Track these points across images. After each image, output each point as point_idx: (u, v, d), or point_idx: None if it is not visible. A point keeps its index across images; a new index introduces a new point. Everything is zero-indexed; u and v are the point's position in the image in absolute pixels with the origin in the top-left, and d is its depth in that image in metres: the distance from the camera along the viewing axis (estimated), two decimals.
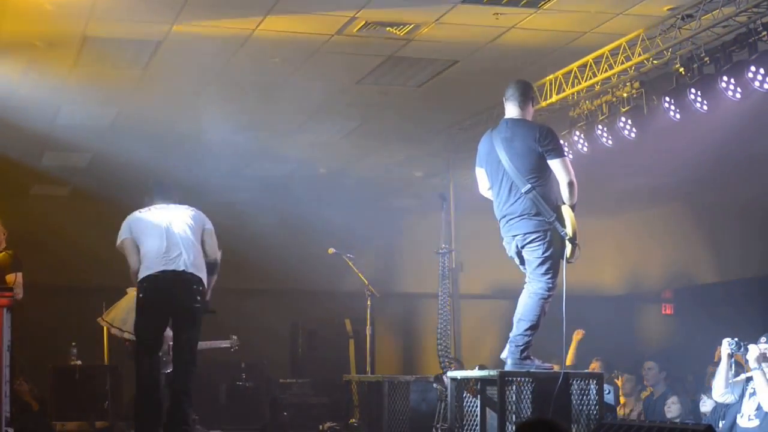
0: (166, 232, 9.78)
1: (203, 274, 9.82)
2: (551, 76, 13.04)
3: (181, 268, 9.66)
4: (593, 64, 12.48)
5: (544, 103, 13.15)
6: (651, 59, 11.68)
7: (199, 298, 9.72)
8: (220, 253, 10.06)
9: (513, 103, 8.93)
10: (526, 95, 8.96)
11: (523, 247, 8.75)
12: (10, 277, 11.91)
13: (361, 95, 13.94)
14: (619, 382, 13.81)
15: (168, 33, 11.62)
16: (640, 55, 11.74)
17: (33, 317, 12.03)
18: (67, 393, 13.37)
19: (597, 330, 15.12)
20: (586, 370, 11.87)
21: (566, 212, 8.66)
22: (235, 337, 12.57)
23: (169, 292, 9.71)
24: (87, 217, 11.72)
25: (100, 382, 13.53)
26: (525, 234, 8.71)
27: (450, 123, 15.29)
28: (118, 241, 9.96)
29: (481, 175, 9.07)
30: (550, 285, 8.71)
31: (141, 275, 9.74)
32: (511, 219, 8.77)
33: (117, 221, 10.34)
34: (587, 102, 13.00)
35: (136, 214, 10.03)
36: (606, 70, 12.29)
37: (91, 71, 12.81)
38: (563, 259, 8.65)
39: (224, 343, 12.46)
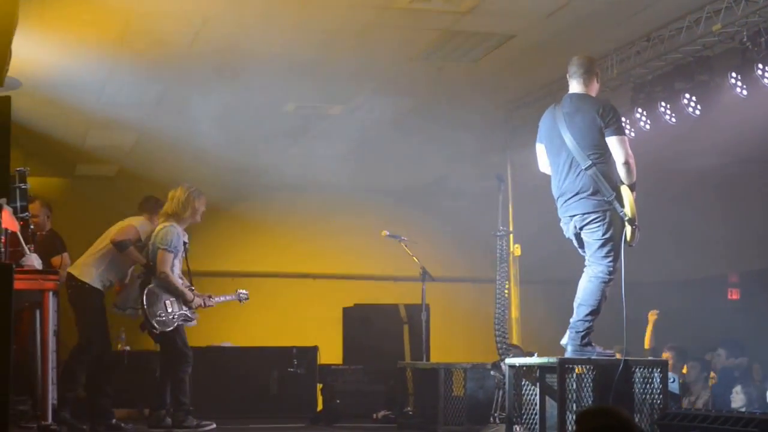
0: None
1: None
2: (612, 50, 12.82)
3: None
4: (656, 38, 12.27)
5: (604, 78, 12.84)
6: (717, 33, 11.41)
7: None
8: None
9: (576, 79, 9.01)
10: (590, 71, 9.02)
11: (581, 228, 8.69)
12: (56, 260, 11.82)
13: (415, 72, 13.68)
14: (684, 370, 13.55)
15: (214, 9, 11.48)
16: (705, 29, 11.49)
17: None
18: (115, 379, 13.15)
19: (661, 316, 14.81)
20: (650, 358, 11.69)
21: (625, 192, 8.58)
22: (243, 291, 12.15)
23: None
24: (135, 198, 11.68)
25: (149, 368, 13.29)
26: (583, 215, 8.65)
27: (507, 100, 15.07)
28: None
29: (541, 151, 9.05)
30: (611, 268, 8.64)
31: None
32: (569, 198, 8.70)
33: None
34: (650, 77, 12.73)
35: None
36: (669, 45, 12.09)
37: (137, 47, 12.64)
38: (623, 241, 8.54)
39: (229, 297, 12.01)
